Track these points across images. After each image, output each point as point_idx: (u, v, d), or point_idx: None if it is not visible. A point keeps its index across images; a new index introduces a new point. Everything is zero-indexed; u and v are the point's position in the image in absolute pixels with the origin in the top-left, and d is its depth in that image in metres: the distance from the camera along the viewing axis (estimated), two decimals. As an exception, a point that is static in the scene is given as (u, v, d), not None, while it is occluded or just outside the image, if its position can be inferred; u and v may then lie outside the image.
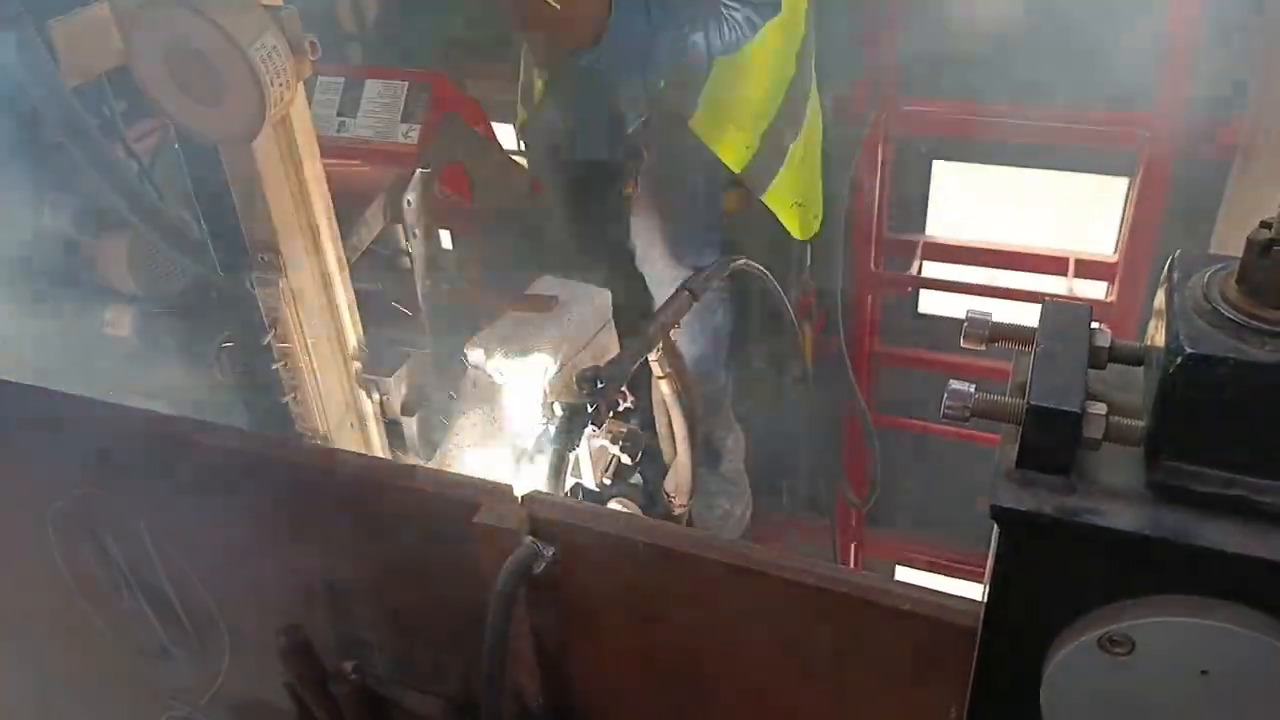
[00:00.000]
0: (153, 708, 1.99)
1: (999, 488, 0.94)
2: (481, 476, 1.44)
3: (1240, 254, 0.91)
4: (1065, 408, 0.91)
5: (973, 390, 1.00)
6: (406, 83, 2.49)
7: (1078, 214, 3.94)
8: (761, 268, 3.08)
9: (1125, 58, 3.50)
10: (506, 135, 3.23)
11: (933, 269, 4.09)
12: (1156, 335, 0.96)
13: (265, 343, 2.24)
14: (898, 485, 4.30)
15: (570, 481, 2.46)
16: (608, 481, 2.74)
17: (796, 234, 3.07)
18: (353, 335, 2.35)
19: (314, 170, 2.13)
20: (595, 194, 3.06)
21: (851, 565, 4.80)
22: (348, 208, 2.32)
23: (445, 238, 2.80)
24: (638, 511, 2.85)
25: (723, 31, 2.52)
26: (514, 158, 3.18)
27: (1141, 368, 1.03)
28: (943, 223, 4.11)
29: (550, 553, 1.34)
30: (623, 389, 2.55)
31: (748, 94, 2.80)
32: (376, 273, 2.59)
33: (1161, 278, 0.98)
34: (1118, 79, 3.51)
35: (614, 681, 1.52)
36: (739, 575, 1.27)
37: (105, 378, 2.93)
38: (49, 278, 2.85)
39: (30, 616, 2.03)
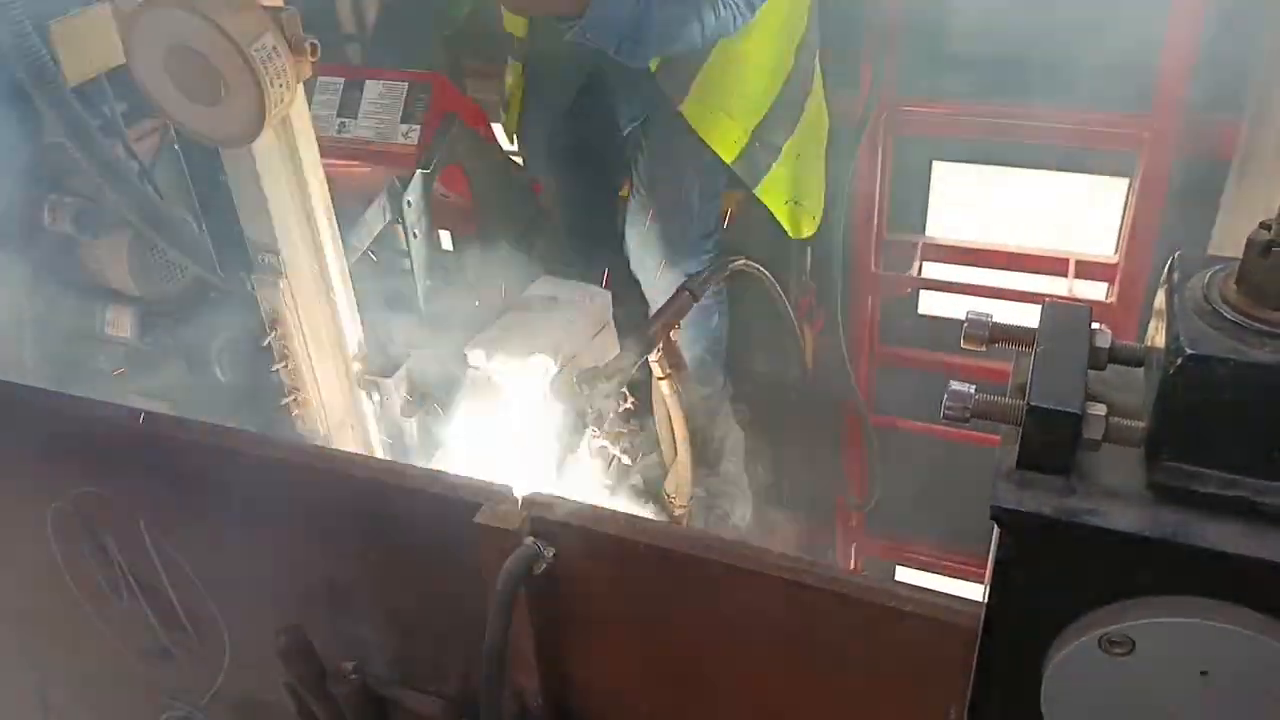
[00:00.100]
0: (153, 708, 1.99)
1: (999, 488, 0.94)
2: (481, 477, 1.44)
3: (1240, 255, 0.91)
4: (1065, 409, 0.91)
5: (973, 391, 1.01)
6: (406, 83, 2.49)
7: (1078, 215, 3.94)
8: (761, 268, 3.08)
9: (1126, 58, 3.50)
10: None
11: (933, 270, 4.09)
12: (1157, 336, 0.97)
13: (265, 344, 2.24)
14: (897, 486, 4.30)
15: (571, 481, 2.47)
16: (609, 482, 2.74)
17: (791, 232, 3.04)
18: (353, 336, 2.35)
19: (314, 171, 2.12)
20: (593, 195, 3.06)
21: (851, 566, 4.79)
22: (348, 208, 2.32)
23: (445, 238, 2.81)
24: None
25: (718, 10, 2.48)
26: (513, 158, 3.19)
27: (1142, 369, 1.03)
28: (943, 223, 4.11)
29: (550, 553, 1.35)
30: (623, 390, 2.55)
31: (742, 85, 2.77)
32: (377, 273, 2.59)
33: (1161, 279, 0.98)
34: (1118, 80, 3.52)
35: (614, 682, 1.52)
36: (739, 576, 1.27)
37: (105, 378, 2.94)
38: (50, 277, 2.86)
39: (30, 616, 2.03)
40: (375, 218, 2.41)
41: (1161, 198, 3.49)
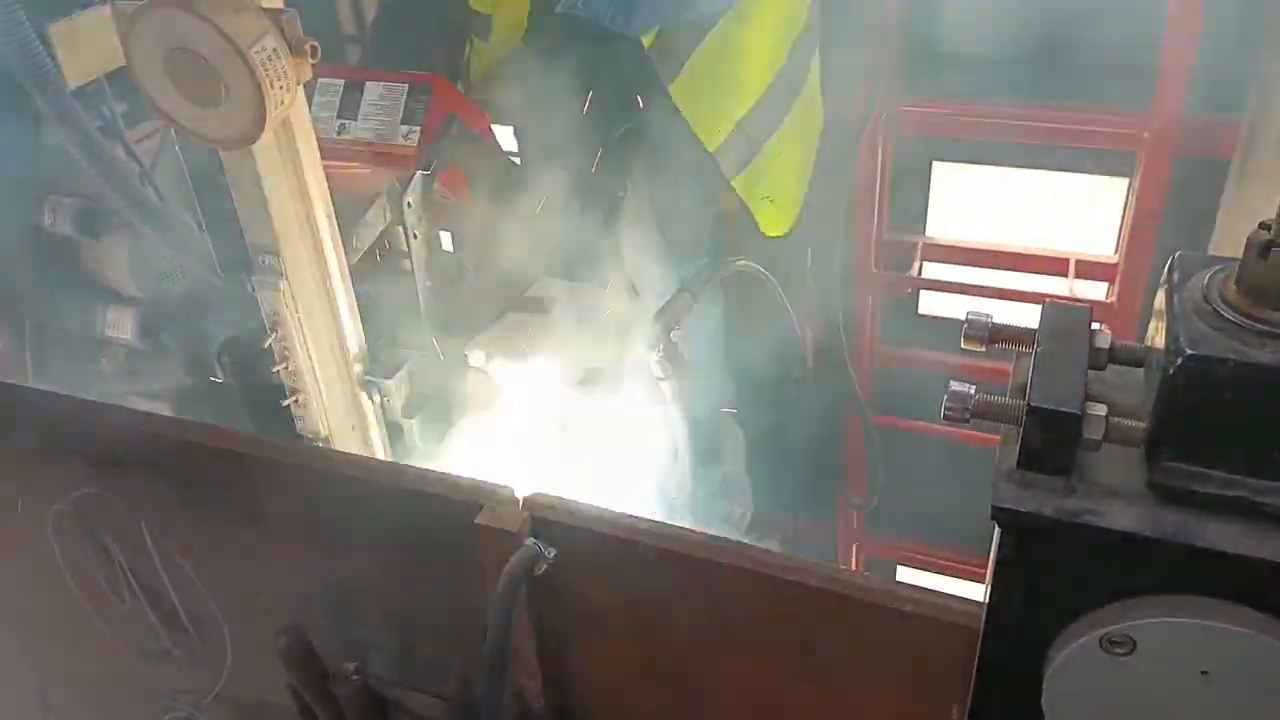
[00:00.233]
0: (154, 708, 1.99)
1: (999, 489, 0.94)
2: (483, 478, 1.44)
3: (1240, 255, 0.92)
4: (1065, 409, 0.91)
5: (973, 391, 1.01)
6: (406, 85, 2.49)
7: (1078, 215, 3.94)
8: (762, 268, 3.08)
9: (1125, 59, 3.50)
10: (506, 136, 3.23)
11: (933, 270, 4.09)
12: (1156, 336, 0.97)
13: (266, 345, 2.24)
14: (898, 486, 4.30)
15: (572, 481, 2.47)
16: (608, 483, 2.74)
17: (764, 228, 3.01)
18: (353, 337, 2.35)
19: (314, 172, 2.13)
20: (592, 194, 3.06)
21: (852, 566, 4.80)
22: (348, 209, 2.32)
23: (446, 239, 2.81)
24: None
25: None
26: (513, 159, 3.19)
27: (1142, 369, 1.03)
28: (943, 224, 4.11)
29: (552, 554, 1.35)
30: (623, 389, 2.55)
31: (733, 74, 2.76)
32: (377, 274, 2.59)
33: (1161, 279, 0.98)
34: (1118, 80, 3.52)
35: (615, 681, 1.53)
36: (740, 576, 1.27)
37: (105, 380, 2.94)
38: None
39: (31, 617, 2.03)
40: (375, 219, 2.41)
41: (1161, 198, 3.50)
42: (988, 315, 1.07)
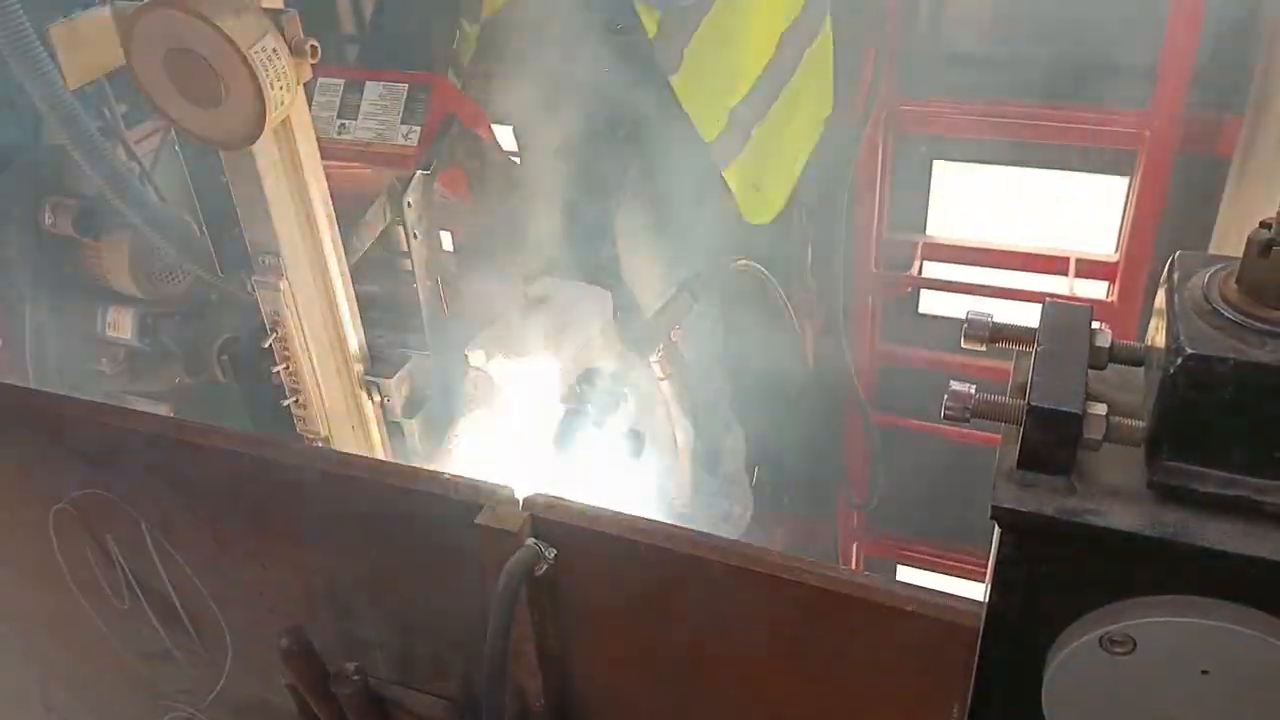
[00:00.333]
0: (154, 709, 1.99)
1: (1000, 488, 0.94)
2: (483, 478, 1.44)
3: (1240, 254, 0.92)
4: (1066, 408, 0.91)
5: (973, 391, 1.01)
6: (406, 85, 2.49)
7: (1078, 214, 3.94)
8: (762, 268, 3.08)
9: (1126, 58, 3.50)
10: (506, 135, 3.23)
11: (933, 269, 4.09)
12: (1157, 335, 0.97)
13: (266, 345, 2.25)
14: (898, 485, 4.30)
15: (572, 480, 2.47)
16: (609, 482, 2.74)
17: (748, 216, 3.01)
18: (354, 337, 2.35)
19: (314, 172, 2.13)
20: (592, 194, 3.06)
21: (853, 565, 4.80)
22: (348, 210, 2.32)
23: (446, 239, 2.80)
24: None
25: None
26: (513, 158, 3.18)
27: (1142, 368, 1.03)
28: (943, 223, 4.11)
29: (552, 554, 1.35)
30: (624, 389, 2.55)
31: (727, 60, 2.76)
32: (377, 275, 2.59)
33: (1162, 278, 0.98)
34: (1119, 79, 3.52)
35: (616, 681, 1.52)
36: (740, 575, 1.27)
37: (106, 380, 2.94)
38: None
39: (32, 618, 2.03)
40: (375, 219, 2.41)
41: (1162, 196, 3.50)
42: (988, 314, 1.07)
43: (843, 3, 3.29)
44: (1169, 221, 3.55)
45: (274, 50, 1.85)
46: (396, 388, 2.44)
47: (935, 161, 4.00)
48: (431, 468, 2.51)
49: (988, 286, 3.93)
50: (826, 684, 1.34)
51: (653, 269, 2.94)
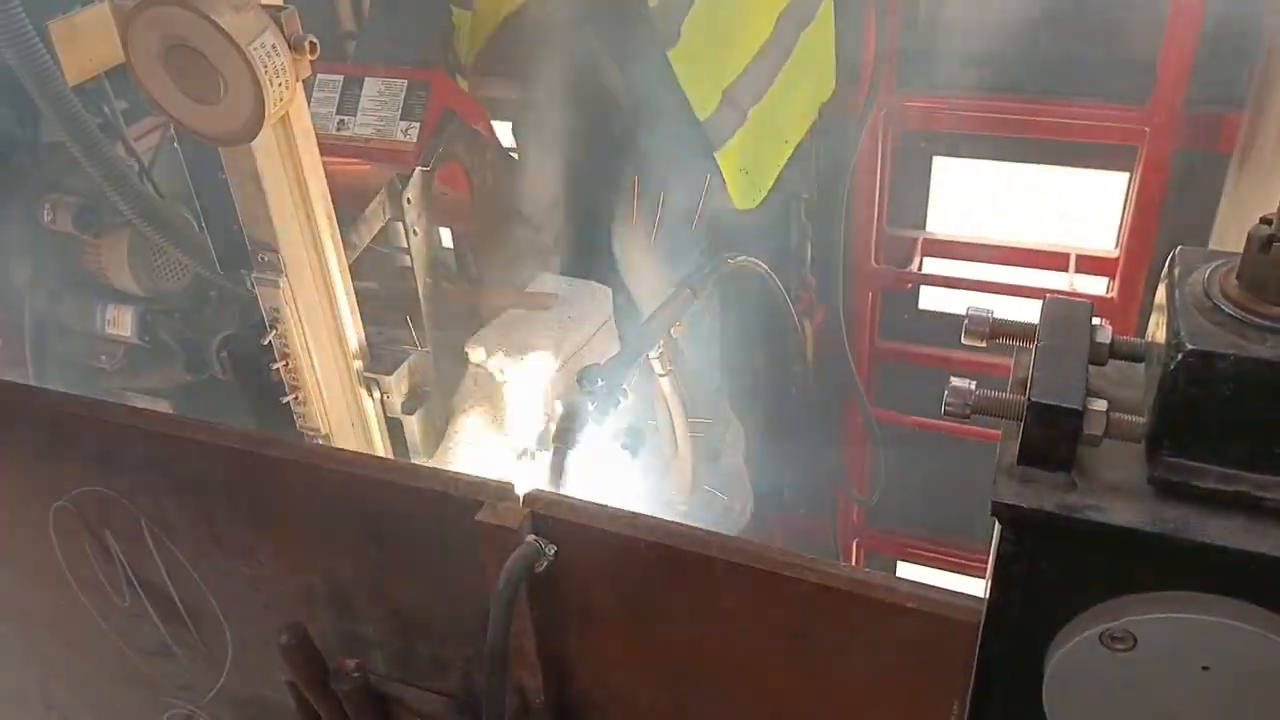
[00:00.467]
0: (155, 705, 1.99)
1: (1000, 484, 0.94)
2: (483, 475, 1.44)
3: (1240, 250, 0.91)
4: (1066, 404, 0.91)
5: (974, 387, 1.01)
6: (405, 81, 2.49)
7: (1078, 210, 3.94)
8: (763, 265, 3.08)
9: (1126, 54, 3.50)
10: (506, 133, 3.22)
11: (933, 265, 4.09)
12: (1157, 331, 0.96)
13: (266, 342, 2.24)
14: (899, 481, 4.30)
15: (572, 478, 2.47)
16: (609, 479, 2.74)
17: (736, 201, 2.98)
18: (353, 334, 2.35)
19: (313, 169, 2.12)
20: (590, 193, 3.06)
21: (853, 561, 4.80)
22: (347, 206, 2.32)
23: (445, 235, 2.80)
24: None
25: None
26: (512, 155, 3.18)
27: (1142, 364, 1.03)
28: (943, 219, 4.11)
29: (552, 551, 1.34)
30: (624, 386, 2.55)
31: (722, 37, 2.75)
32: (376, 271, 2.59)
33: (1162, 274, 0.98)
34: (1119, 74, 3.51)
35: (616, 678, 1.53)
36: (740, 572, 1.27)
37: (105, 377, 2.94)
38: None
39: (33, 615, 2.03)
40: (375, 215, 2.41)
41: (1162, 192, 3.50)
42: (988, 310, 1.07)
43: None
44: (1169, 217, 3.55)
45: (273, 46, 1.85)
46: (396, 384, 2.44)
47: (935, 157, 4.00)
48: (431, 464, 2.52)
49: (988, 282, 3.93)
50: (826, 680, 1.34)
51: (651, 266, 2.93)
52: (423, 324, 2.54)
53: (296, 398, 2.31)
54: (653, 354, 2.73)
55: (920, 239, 4.03)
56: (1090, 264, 3.83)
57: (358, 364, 2.38)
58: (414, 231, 2.46)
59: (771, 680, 1.39)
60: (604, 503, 1.37)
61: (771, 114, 2.94)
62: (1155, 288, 0.99)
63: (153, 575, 1.74)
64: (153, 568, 1.72)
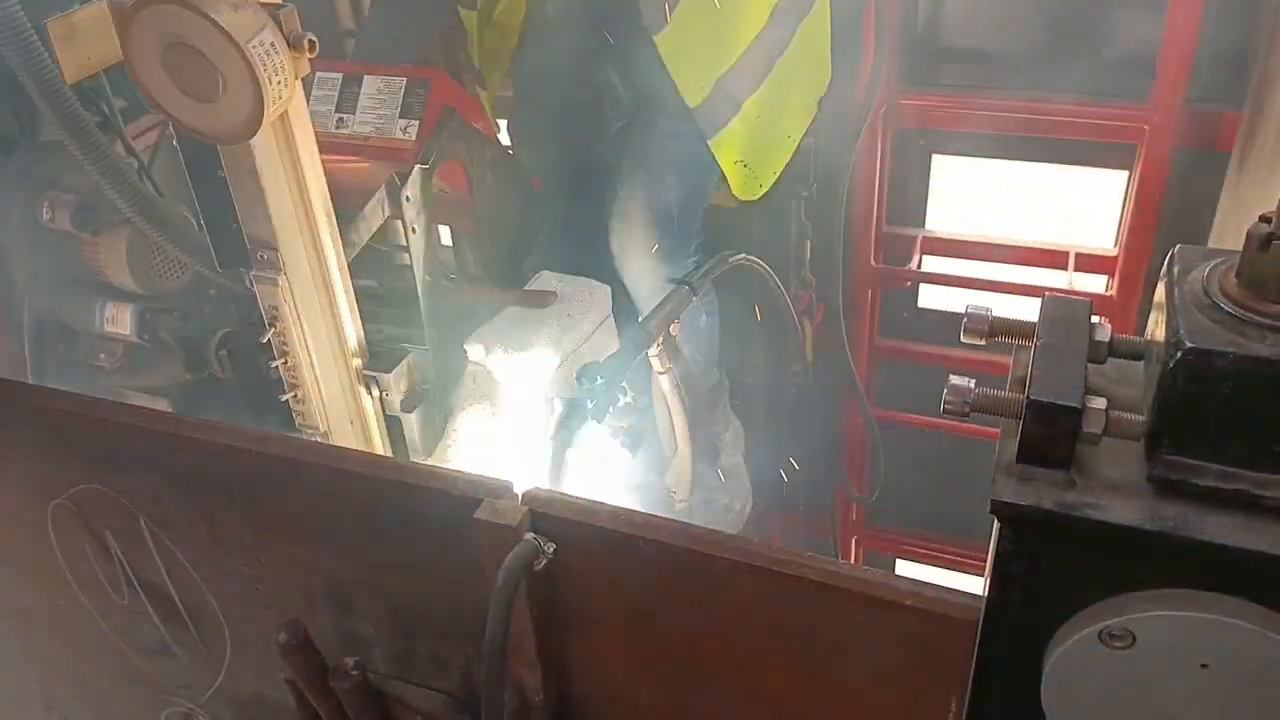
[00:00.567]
0: (154, 704, 1.99)
1: (999, 482, 0.94)
2: (482, 473, 1.44)
3: (1240, 248, 0.91)
4: (1065, 402, 0.91)
5: (973, 385, 1.01)
6: (404, 79, 2.48)
7: (1077, 208, 3.94)
8: (762, 263, 3.08)
9: (1125, 51, 3.50)
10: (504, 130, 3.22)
11: (932, 263, 4.09)
12: (1156, 329, 0.96)
13: (265, 340, 2.24)
14: (898, 479, 4.30)
15: (572, 476, 2.47)
16: (609, 477, 2.74)
17: (736, 192, 2.97)
18: (352, 332, 2.35)
19: (312, 167, 2.12)
20: (588, 191, 3.06)
21: (852, 559, 4.80)
22: (346, 204, 2.32)
23: (444, 233, 2.80)
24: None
25: None
26: (511, 153, 3.18)
27: (1141, 362, 1.03)
28: (942, 217, 4.11)
29: (551, 549, 1.34)
30: (623, 384, 2.55)
31: (714, 27, 2.73)
32: (375, 269, 2.59)
33: (1161, 272, 0.98)
34: (1118, 72, 3.51)
35: (615, 676, 1.53)
36: (739, 570, 1.27)
37: (104, 375, 2.94)
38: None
39: (32, 614, 2.03)
40: (374, 213, 2.41)
41: (1161, 191, 3.50)
42: (987, 309, 1.07)
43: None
44: (1168, 216, 3.55)
45: (272, 45, 1.85)
46: (395, 382, 2.44)
47: (934, 155, 3.99)
48: (430, 462, 2.52)
49: (987, 280, 3.93)
50: (826, 678, 1.34)
51: (648, 261, 2.93)
52: (421, 322, 2.54)
53: (295, 396, 2.31)
54: (651, 352, 2.73)
55: (919, 237, 4.03)
56: (1089, 262, 3.83)
57: (357, 362, 2.38)
58: (413, 229, 2.46)
59: (771, 678, 1.39)
60: (603, 501, 1.37)
61: (769, 107, 2.93)
62: (1154, 286, 0.99)
63: (152, 574, 1.74)
64: (152, 566, 1.72)
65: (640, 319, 2.89)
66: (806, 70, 3.11)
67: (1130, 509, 0.90)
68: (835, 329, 3.80)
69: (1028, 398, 0.92)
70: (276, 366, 2.27)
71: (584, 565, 1.38)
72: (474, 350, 2.51)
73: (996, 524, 0.96)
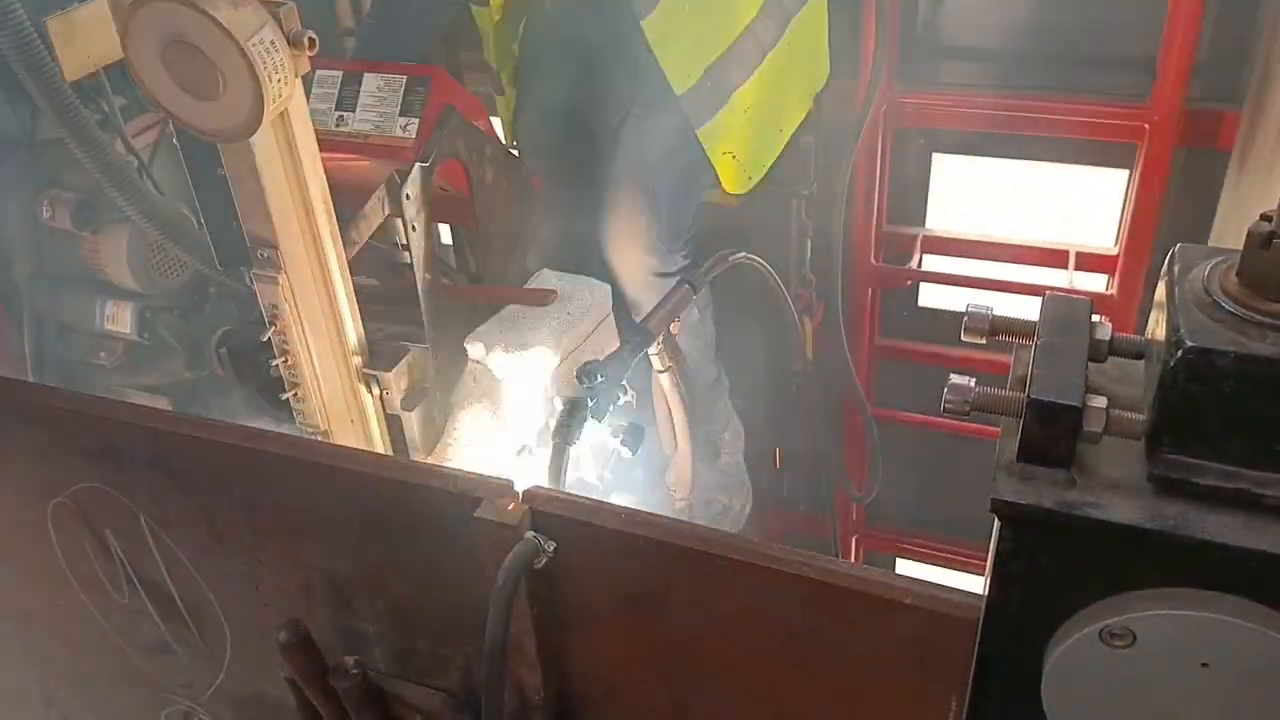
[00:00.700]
0: (154, 703, 1.99)
1: (999, 481, 0.94)
2: (482, 471, 1.44)
3: (1240, 247, 0.91)
4: (1066, 401, 0.91)
5: (973, 384, 1.01)
6: (405, 77, 2.48)
7: (1078, 207, 3.94)
8: (762, 261, 3.07)
9: (1126, 50, 3.50)
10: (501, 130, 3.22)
11: (933, 262, 4.08)
12: (1157, 328, 0.96)
13: (265, 339, 2.24)
14: (898, 479, 4.31)
15: (572, 475, 2.47)
16: (609, 476, 2.74)
17: (725, 185, 2.95)
18: (352, 330, 2.35)
19: (312, 165, 2.12)
20: (588, 189, 3.05)
21: (852, 559, 4.80)
22: (346, 203, 2.32)
23: (445, 232, 2.80)
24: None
25: None
26: (512, 151, 3.18)
27: (1142, 361, 1.03)
28: (943, 216, 4.10)
29: (551, 548, 1.34)
30: (623, 383, 2.55)
31: (704, 15, 2.73)
32: (376, 267, 2.59)
33: (1162, 271, 0.98)
34: (1118, 71, 3.51)
35: (615, 675, 1.53)
36: (739, 569, 1.27)
37: (104, 373, 2.94)
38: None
39: (32, 613, 2.03)
40: (374, 212, 2.41)
41: (1162, 189, 3.49)
42: (988, 308, 1.07)
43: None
44: (1169, 214, 3.55)
45: (272, 42, 1.85)
46: (395, 381, 2.44)
47: (935, 154, 3.99)
48: (430, 461, 2.52)
49: (987, 279, 3.92)
50: (825, 677, 1.34)
51: (637, 255, 2.92)
52: (422, 320, 2.54)
53: (295, 394, 2.31)
54: (652, 350, 2.73)
55: (920, 236, 4.02)
56: (1090, 261, 3.83)
57: (357, 360, 2.38)
58: (413, 227, 2.46)
59: (770, 677, 1.39)
60: (603, 499, 1.37)
61: (760, 101, 2.91)
62: (1155, 285, 0.99)
63: (152, 572, 1.74)
64: (152, 565, 1.73)
65: (629, 311, 2.89)
66: (801, 65, 3.10)
67: (1131, 508, 0.90)
68: (835, 328, 3.80)
69: (1028, 397, 0.92)
70: (276, 365, 2.27)
71: (584, 564, 1.38)
72: (474, 349, 2.51)
73: (997, 523, 0.96)
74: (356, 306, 2.35)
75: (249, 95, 1.85)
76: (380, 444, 2.52)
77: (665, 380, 2.88)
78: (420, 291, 2.51)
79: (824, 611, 1.26)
